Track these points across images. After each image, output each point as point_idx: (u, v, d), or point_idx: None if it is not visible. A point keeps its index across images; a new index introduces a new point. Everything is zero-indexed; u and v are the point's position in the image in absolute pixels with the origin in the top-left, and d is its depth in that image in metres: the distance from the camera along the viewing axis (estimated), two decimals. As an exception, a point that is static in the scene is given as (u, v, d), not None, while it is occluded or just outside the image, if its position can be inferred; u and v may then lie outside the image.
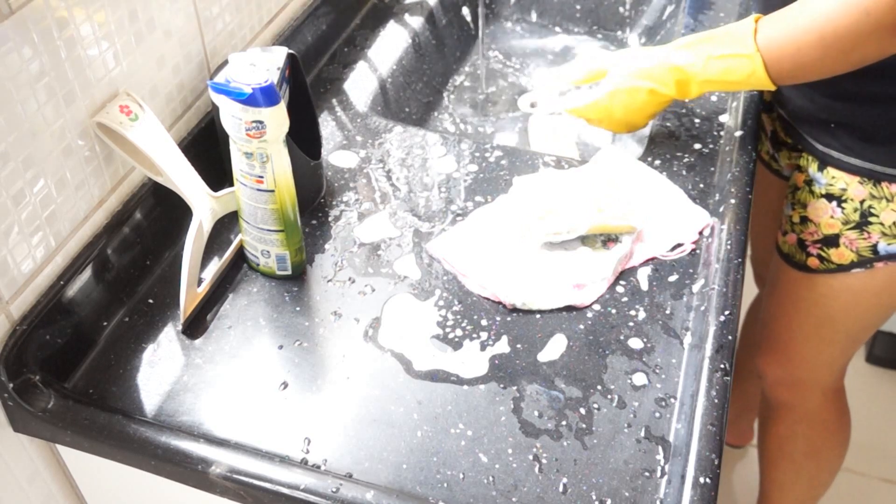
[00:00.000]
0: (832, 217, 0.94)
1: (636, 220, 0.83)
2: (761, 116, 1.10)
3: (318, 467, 0.64)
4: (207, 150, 0.85)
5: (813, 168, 0.96)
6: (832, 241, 0.96)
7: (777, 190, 1.13)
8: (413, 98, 1.14)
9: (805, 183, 0.97)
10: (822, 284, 1.00)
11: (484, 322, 0.76)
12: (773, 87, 0.82)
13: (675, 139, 0.95)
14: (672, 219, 0.85)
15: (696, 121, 0.97)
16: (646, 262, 0.81)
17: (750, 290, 1.37)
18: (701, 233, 0.84)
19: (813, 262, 0.99)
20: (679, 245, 0.82)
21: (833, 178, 0.93)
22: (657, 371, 0.72)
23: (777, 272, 1.06)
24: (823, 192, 0.94)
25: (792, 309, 1.06)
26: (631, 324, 0.76)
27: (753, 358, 1.35)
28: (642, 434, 0.67)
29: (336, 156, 0.94)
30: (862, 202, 0.92)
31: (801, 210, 0.98)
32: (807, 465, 1.22)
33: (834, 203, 0.94)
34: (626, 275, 0.80)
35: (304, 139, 0.84)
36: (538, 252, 0.81)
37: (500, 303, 0.77)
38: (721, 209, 0.85)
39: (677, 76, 0.86)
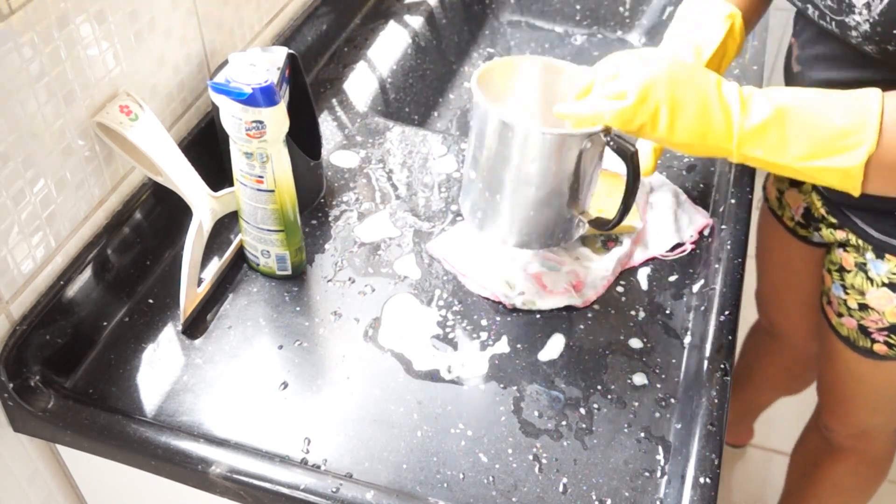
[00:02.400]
0: None
1: (636, 221, 0.83)
2: (784, 185, 1.04)
3: (318, 467, 0.64)
4: (207, 150, 0.85)
5: (870, 254, 0.88)
6: None
7: (803, 257, 1.08)
8: (413, 98, 1.14)
9: (857, 267, 0.90)
10: (892, 369, 0.96)
11: (484, 322, 0.76)
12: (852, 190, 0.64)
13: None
14: (672, 219, 0.85)
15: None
16: (646, 262, 0.81)
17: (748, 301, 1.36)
18: (701, 233, 0.84)
19: (881, 348, 0.94)
20: (679, 245, 0.82)
21: None
22: (657, 371, 0.72)
23: (834, 351, 1.01)
24: (885, 280, 0.88)
25: (858, 386, 1.02)
26: (631, 324, 0.76)
27: (761, 369, 1.36)
28: (642, 434, 0.67)
29: (336, 156, 0.94)
30: None
31: (859, 297, 0.92)
32: (860, 498, 1.22)
33: None
34: (626, 275, 0.80)
35: (304, 139, 0.84)
36: (538, 252, 0.81)
37: (499, 303, 0.77)
38: (721, 209, 0.85)
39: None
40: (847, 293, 0.93)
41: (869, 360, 0.96)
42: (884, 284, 0.88)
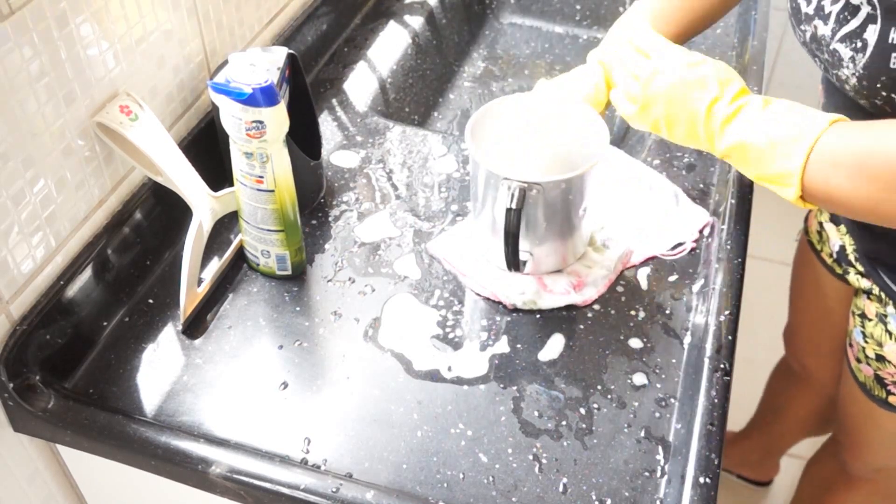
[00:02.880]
0: None
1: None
2: (825, 220, 1.02)
3: (318, 467, 0.64)
4: (207, 150, 0.85)
5: (891, 307, 0.88)
6: None
7: (838, 296, 1.06)
8: (413, 98, 1.14)
9: (878, 317, 0.90)
10: None
11: (484, 322, 0.76)
12: (797, 202, 0.70)
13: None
14: (672, 218, 0.85)
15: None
16: (646, 262, 0.81)
17: (769, 322, 1.34)
18: (701, 232, 0.84)
19: (895, 400, 0.94)
20: (679, 244, 0.82)
21: None
22: (657, 371, 0.72)
23: (851, 392, 1.00)
24: None
25: (874, 432, 1.02)
26: (631, 324, 0.76)
27: (791, 411, 1.35)
28: (642, 434, 0.67)
29: (336, 156, 0.94)
30: None
31: (876, 347, 0.91)
32: None
33: None
34: (626, 275, 0.80)
35: (304, 139, 0.84)
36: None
37: (500, 303, 0.77)
38: (721, 209, 0.85)
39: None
40: (866, 341, 0.93)
41: (885, 411, 0.96)
42: None
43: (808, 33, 0.75)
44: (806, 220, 1.11)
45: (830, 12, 0.71)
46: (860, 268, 0.93)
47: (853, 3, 0.68)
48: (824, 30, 0.72)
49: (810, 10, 0.74)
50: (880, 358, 0.91)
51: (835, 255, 1.01)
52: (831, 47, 0.72)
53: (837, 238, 1.00)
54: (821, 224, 1.04)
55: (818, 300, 1.11)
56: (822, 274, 1.07)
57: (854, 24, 0.68)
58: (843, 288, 1.03)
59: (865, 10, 0.67)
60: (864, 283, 0.92)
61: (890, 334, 0.89)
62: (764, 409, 1.43)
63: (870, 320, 0.92)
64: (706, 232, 0.84)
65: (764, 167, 0.69)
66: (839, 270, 1.02)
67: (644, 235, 0.83)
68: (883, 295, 0.89)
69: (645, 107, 0.76)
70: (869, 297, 0.91)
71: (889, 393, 0.93)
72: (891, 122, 0.64)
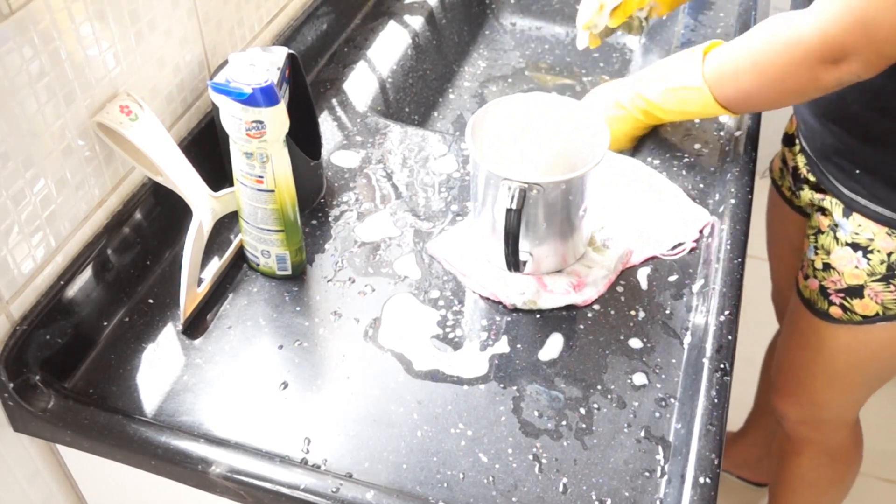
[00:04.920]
0: (857, 267, 0.90)
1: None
2: (782, 149, 1.08)
3: (318, 467, 0.64)
4: (207, 150, 0.85)
5: (838, 213, 0.91)
6: (856, 291, 0.91)
7: (798, 227, 1.08)
8: (413, 98, 1.14)
9: (829, 228, 0.93)
10: (845, 334, 0.96)
11: (484, 322, 0.76)
12: (732, 114, 0.86)
13: (674, 139, 0.95)
14: (672, 218, 0.85)
15: (696, 121, 0.97)
16: (646, 262, 0.81)
17: (768, 322, 1.35)
18: (701, 232, 0.84)
19: (836, 311, 0.95)
20: (680, 244, 0.82)
21: (859, 227, 0.89)
22: (657, 371, 0.72)
23: (796, 315, 1.03)
24: (849, 240, 0.90)
25: (813, 355, 1.02)
26: (631, 324, 0.76)
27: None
28: (642, 434, 0.67)
29: (336, 156, 0.95)
30: (889, 254, 0.87)
31: (825, 256, 0.94)
32: (830, 492, 1.21)
33: (860, 253, 0.89)
34: (626, 275, 0.80)
35: (304, 139, 0.84)
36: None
37: (500, 303, 0.77)
38: (721, 209, 0.85)
39: (643, 106, 0.90)
40: (816, 253, 0.95)
41: (824, 325, 0.97)
42: (847, 244, 0.90)
43: None
44: (771, 168, 1.14)
45: None
46: (812, 178, 0.96)
47: None
48: None
49: None
50: (827, 266, 0.94)
51: (791, 184, 1.04)
52: None
53: (791, 160, 1.04)
54: (782, 160, 1.08)
55: (781, 235, 1.14)
56: (784, 210, 1.10)
57: None
58: (801, 220, 1.06)
59: None
60: (817, 197, 0.95)
61: (837, 240, 0.92)
62: (759, 406, 1.43)
63: (822, 233, 0.94)
64: (706, 232, 0.84)
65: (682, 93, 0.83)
66: (797, 203, 1.05)
67: (644, 235, 0.83)
68: (833, 202, 0.91)
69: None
70: (824, 214, 0.94)
71: (831, 304, 0.95)
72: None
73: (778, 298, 1.29)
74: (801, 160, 1.00)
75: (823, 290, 0.95)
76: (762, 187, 1.13)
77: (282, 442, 0.66)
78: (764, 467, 1.52)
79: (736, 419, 1.54)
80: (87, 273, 0.73)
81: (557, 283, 0.78)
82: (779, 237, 1.17)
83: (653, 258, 0.82)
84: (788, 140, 1.06)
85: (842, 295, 0.93)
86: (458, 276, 0.80)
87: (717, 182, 0.89)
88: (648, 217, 0.85)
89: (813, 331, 1.00)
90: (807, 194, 0.98)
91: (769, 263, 1.25)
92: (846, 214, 0.90)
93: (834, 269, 0.93)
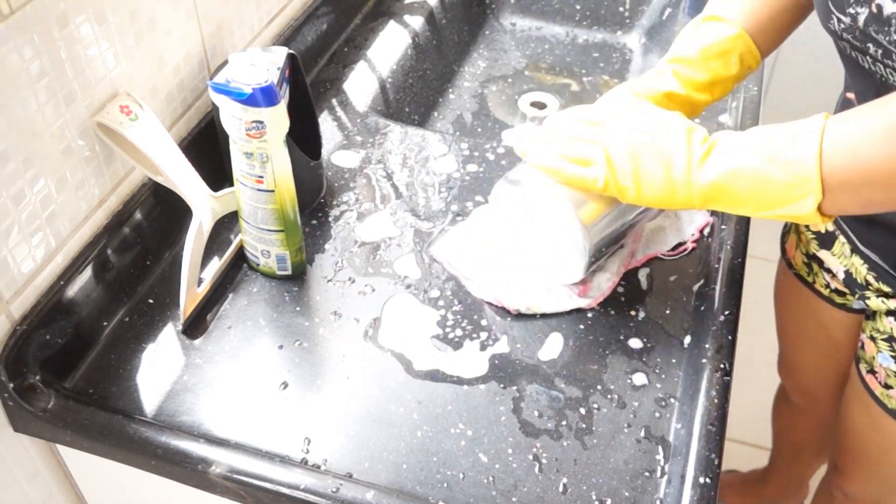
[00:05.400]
0: None
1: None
2: (807, 241, 0.98)
3: (318, 467, 0.64)
4: (207, 150, 0.85)
5: None
6: None
7: (842, 326, 1.01)
8: (413, 98, 1.14)
9: None
10: None
11: (484, 322, 0.76)
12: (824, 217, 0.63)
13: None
14: (672, 218, 0.85)
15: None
16: (647, 262, 0.81)
17: (768, 322, 1.29)
18: (701, 232, 0.84)
19: None
20: (680, 244, 0.82)
21: None
22: (657, 371, 0.72)
23: (872, 421, 0.95)
24: None
25: (888, 451, 0.96)
26: (631, 324, 0.76)
27: (802, 444, 1.30)
28: (642, 434, 0.67)
29: (336, 156, 0.95)
30: None
31: None
32: None
33: None
34: (626, 275, 0.80)
35: (304, 139, 0.84)
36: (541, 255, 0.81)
37: (503, 308, 0.77)
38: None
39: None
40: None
41: None
42: None
43: (863, 16, 0.65)
44: (784, 252, 1.06)
45: None
46: (884, 288, 0.86)
47: None
48: (893, 7, 0.61)
49: None
50: None
51: (835, 286, 0.96)
52: None
53: (839, 265, 0.93)
54: (809, 255, 0.99)
55: (819, 333, 1.05)
56: (819, 306, 1.01)
57: None
58: (845, 317, 0.99)
59: None
60: (892, 304, 0.86)
61: None
62: (782, 447, 1.38)
63: None
64: (706, 232, 0.84)
65: (767, 187, 0.60)
66: (839, 300, 0.97)
67: (645, 236, 0.83)
68: None
69: (609, 168, 0.66)
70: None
71: None
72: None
73: (793, 377, 1.21)
74: (859, 266, 0.89)
75: None
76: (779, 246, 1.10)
77: (282, 442, 0.66)
78: (799, 496, 1.48)
79: (736, 419, 1.52)
80: (87, 273, 0.73)
81: (561, 287, 0.78)
82: (806, 327, 1.08)
83: (653, 258, 0.82)
84: (824, 241, 0.94)
85: None
86: (461, 279, 0.80)
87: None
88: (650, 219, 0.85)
89: (890, 429, 0.93)
90: (876, 302, 0.88)
91: (781, 336, 1.17)
92: None
93: None
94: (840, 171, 0.58)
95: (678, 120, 0.66)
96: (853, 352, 1.02)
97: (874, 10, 0.63)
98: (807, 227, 0.98)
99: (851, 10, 0.66)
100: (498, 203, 0.79)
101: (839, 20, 0.68)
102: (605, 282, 0.78)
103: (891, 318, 0.87)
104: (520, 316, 0.76)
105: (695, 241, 0.83)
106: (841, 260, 0.93)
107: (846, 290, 0.95)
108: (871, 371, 0.92)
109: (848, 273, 0.92)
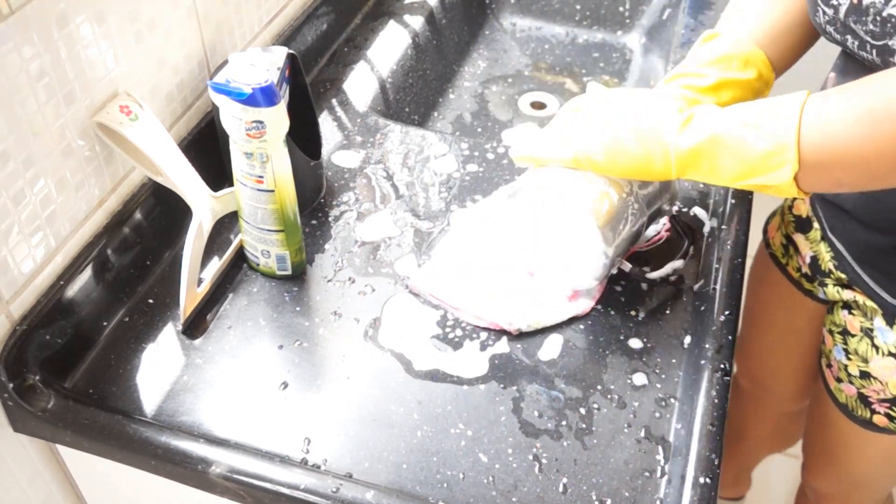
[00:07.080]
0: None
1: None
2: (789, 227, 0.98)
3: (318, 467, 0.64)
4: (207, 150, 0.85)
5: (879, 320, 0.82)
6: None
7: (808, 314, 1.00)
8: (413, 98, 1.15)
9: (863, 332, 0.84)
10: (889, 440, 0.90)
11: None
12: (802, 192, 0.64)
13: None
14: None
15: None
16: (629, 256, 0.81)
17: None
18: (701, 232, 0.83)
19: (880, 420, 0.88)
20: (655, 235, 0.81)
21: None
22: (657, 371, 0.72)
23: (827, 415, 0.95)
24: (893, 349, 0.82)
25: (848, 455, 0.97)
26: (631, 324, 0.76)
27: (748, 431, 1.29)
28: (642, 434, 0.67)
29: (336, 156, 0.95)
30: None
31: (861, 363, 0.86)
32: None
33: None
34: (626, 275, 0.80)
35: (304, 139, 0.84)
36: (524, 271, 0.79)
37: (503, 331, 0.75)
38: (721, 209, 0.85)
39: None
40: (849, 358, 0.88)
41: (864, 431, 0.91)
42: (890, 354, 0.82)
43: (844, 7, 0.66)
44: (766, 232, 1.06)
45: None
46: (841, 276, 0.87)
47: None
48: None
49: None
50: (865, 375, 0.86)
51: (805, 270, 0.96)
52: (885, 13, 0.62)
53: (809, 249, 0.94)
54: (787, 237, 0.99)
55: (784, 317, 1.05)
56: (788, 291, 1.01)
57: None
58: (813, 305, 0.99)
59: None
60: (847, 295, 0.86)
61: (877, 349, 0.84)
62: (728, 432, 1.39)
63: (853, 336, 0.86)
64: (706, 231, 0.84)
65: (746, 152, 0.61)
66: (808, 286, 0.97)
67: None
68: (869, 305, 0.83)
69: (579, 155, 0.68)
70: (851, 312, 0.86)
71: (874, 412, 0.88)
72: (880, 74, 0.58)
73: (744, 358, 1.20)
74: (825, 252, 0.90)
75: (864, 398, 0.88)
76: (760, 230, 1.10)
77: (282, 442, 0.66)
78: (739, 485, 1.49)
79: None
80: (87, 273, 0.73)
81: (551, 298, 0.77)
82: (771, 309, 1.08)
83: (632, 252, 0.80)
84: (802, 225, 0.95)
85: (887, 405, 0.86)
86: (450, 311, 0.77)
87: (717, 182, 0.89)
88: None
89: (849, 434, 0.93)
90: (832, 291, 0.89)
91: (745, 319, 1.15)
92: (889, 322, 0.81)
93: (875, 378, 0.85)
94: (814, 148, 0.59)
95: (656, 92, 0.68)
96: (812, 344, 1.03)
97: (850, 1, 0.66)
98: (790, 208, 0.98)
99: (834, 1, 0.67)
100: (496, 217, 0.79)
101: (824, 12, 0.69)
102: (594, 287, 0.77)
103: (845, 311, 0.88)
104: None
105: (668, 230, 0.81)
106: (812, 245, 0.93)
107: (813, 277, 0.95)
108: (829, 365, 0.93)
109: (814, 259, 0.93)
